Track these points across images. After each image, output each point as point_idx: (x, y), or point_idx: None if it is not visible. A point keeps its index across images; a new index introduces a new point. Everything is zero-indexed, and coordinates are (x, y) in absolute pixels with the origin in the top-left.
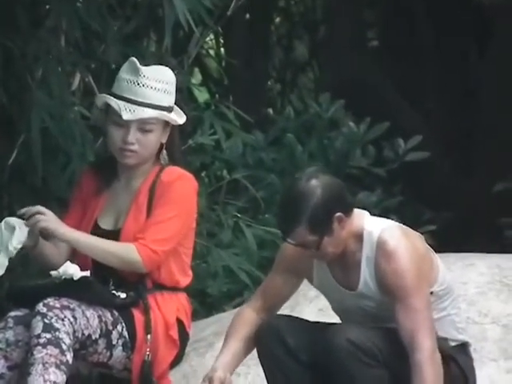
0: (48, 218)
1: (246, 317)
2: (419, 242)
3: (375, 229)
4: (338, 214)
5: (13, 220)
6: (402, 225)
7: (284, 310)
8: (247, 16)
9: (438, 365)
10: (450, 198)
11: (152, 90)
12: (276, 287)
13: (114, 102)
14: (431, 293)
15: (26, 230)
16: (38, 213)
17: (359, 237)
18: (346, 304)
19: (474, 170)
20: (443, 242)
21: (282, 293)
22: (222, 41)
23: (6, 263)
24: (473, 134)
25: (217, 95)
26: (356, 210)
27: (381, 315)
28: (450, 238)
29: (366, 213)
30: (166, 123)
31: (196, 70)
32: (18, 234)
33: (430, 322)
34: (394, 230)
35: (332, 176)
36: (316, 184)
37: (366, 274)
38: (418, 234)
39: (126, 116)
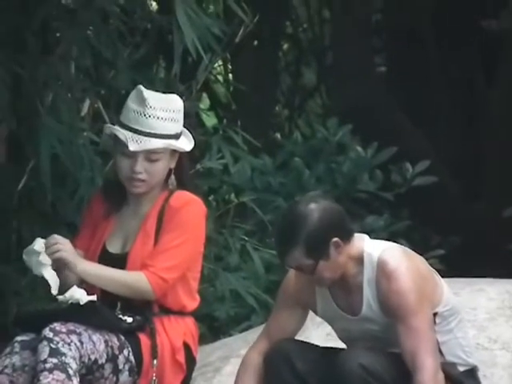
0: (65, 248)
1: (253, 364)
2: (421, 262)
3: (375, 250)
4: (335, 239)
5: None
6: (402, 246)
7: None
8: (255, 42)
9: None
10: (459, 222)
11: (158, 120)
12: (281, 324)
13: (121, 133)
14: (436, 313)
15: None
16: (57, 243)
17: (359, 260)
18: (351, 330)
19: (483, 194)
20: (452, 267)
21: (287, 330)
22: (230, 67)
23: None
24: (481, 158)
25: (225, 120)
26: (355, 235)
27: (386, 339)
28: (458, 262)
29: (366, 236)
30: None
31: (204, 95)
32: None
33: (433, 342)
34: (395, 251)
35: (333, 201)
36: (314, 208)
37: (368, 297)
38: (419, 256)
39: (132, 147)
